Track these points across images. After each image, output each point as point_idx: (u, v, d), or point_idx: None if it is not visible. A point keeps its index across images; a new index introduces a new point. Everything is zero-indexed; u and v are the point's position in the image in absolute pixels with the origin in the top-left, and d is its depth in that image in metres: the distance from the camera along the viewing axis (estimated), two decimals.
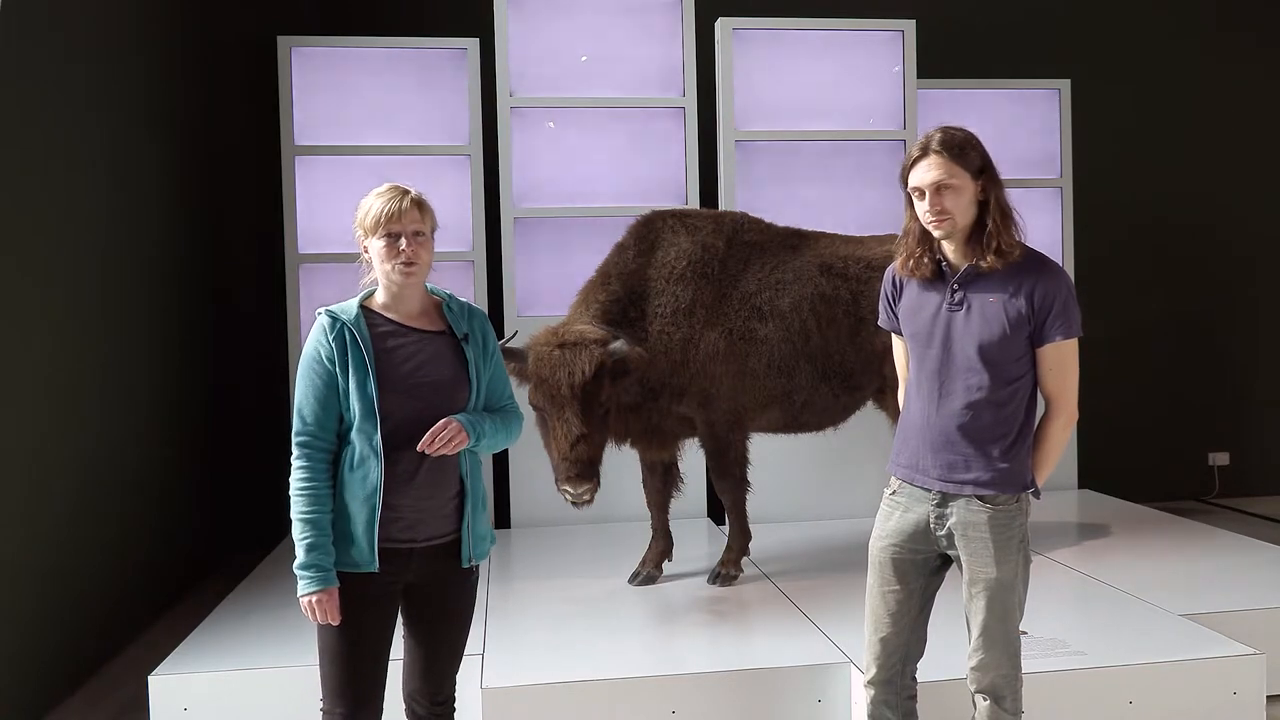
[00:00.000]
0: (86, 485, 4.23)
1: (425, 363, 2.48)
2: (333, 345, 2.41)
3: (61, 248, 4.10)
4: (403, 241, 2.43)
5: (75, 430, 4.15)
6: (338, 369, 2.41)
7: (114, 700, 3.98)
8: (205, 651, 3.63)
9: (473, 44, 5.74)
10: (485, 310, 5.69)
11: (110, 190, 4.56)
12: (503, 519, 5.71)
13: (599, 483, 3.81)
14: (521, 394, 4.01)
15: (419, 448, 2.39)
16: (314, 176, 5.65)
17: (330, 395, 2.42)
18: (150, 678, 3.41)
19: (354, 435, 2.41)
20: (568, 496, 3.77)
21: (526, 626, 3.89)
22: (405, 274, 2.45)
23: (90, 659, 4.25)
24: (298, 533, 2.39)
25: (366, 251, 2.50)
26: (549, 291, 5.54)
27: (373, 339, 2.44)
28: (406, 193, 2.47)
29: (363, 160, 5.61)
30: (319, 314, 2.48)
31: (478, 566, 2.59)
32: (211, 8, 5.98)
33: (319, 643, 2.46)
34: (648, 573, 4.43)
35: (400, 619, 2.57)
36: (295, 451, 2.42)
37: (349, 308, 2.48)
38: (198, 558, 5.41)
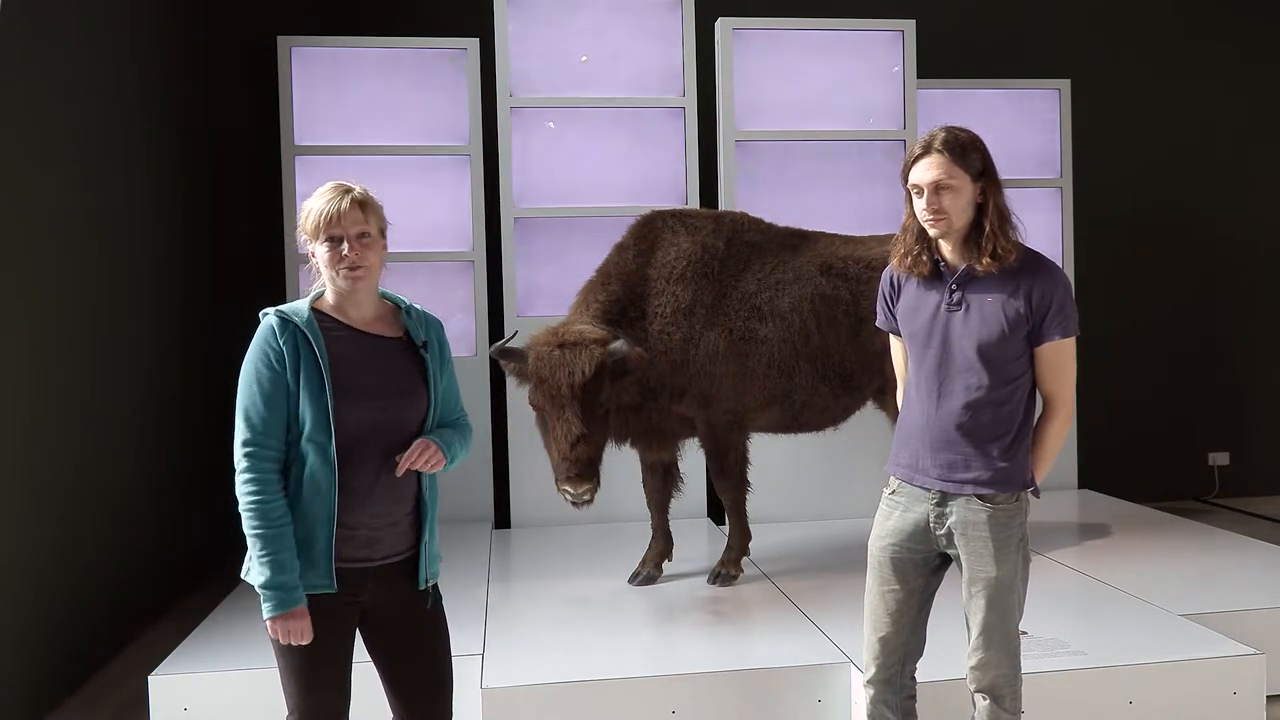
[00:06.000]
0: (86, 485, 4.23)
1: (382, 371, 2.34)
2: (284, 348, 2.25)
3: (61, 247, 4.10)
4: (345, 245, 2.28)
5: (74, 430, 4.15)
6: (288, 374, 2.25)
7: (114, 700, 3.98)
8: (205, 651, 3.63)
9: (473, 44, 5.74)
10: (486, 310, 5.76)
11: (109, 190, 4.56)
12: (503, 519, 5.71)
13: (599, 483, 3.81)
14: (521, 394, 4.04)
15: (399, 472, 2.28)
16: (314, 176, 5.63)
17: (279, 399, 2.25)
18: (150, 678, 3.41)
19: (305, 447, 2.25)
20: (568, 496, 3.78)
21: (526, 626, 3.89)
22: (351, 279, 2.30)
23: (90, 659, 4.25)
24: (256, 549, 2.23)
25: (314, 256, 2.35)
26: (549, 291, 5.55)
27: (326, 344, 2.29)
28: (348, 191, 2.31)
29: (363, 160, 5.61)
30: (266, 314, 2.31)
31: (437, 589, 2.46)
32: (211, 7, 5.98)
33: (278, 659, 2.32)
34: (648, 573, 4.43)
35: (369, 653, 2.44)
36: (242, 462, 2.25)
37: (300, 309, 2.32)
38: (197, 558, 5.40)
